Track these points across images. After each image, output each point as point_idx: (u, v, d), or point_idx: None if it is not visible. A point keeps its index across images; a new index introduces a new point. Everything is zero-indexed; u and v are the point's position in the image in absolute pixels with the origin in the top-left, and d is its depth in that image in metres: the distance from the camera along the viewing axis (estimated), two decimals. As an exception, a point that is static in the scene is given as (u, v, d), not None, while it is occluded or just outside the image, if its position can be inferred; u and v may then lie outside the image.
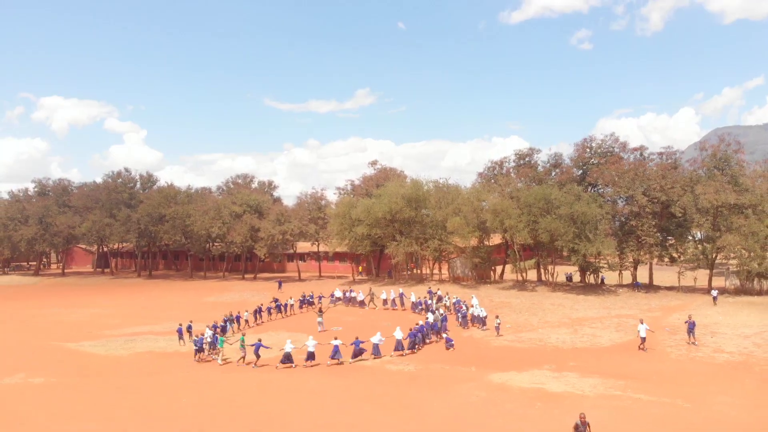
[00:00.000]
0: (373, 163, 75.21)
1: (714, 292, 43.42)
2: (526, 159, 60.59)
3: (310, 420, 20.20)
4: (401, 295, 48.20)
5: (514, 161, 61.34)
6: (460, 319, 38.09)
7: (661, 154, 53.47)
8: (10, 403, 23.85)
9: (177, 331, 35.72)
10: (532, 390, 23.13)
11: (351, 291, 51.58)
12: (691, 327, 30.68)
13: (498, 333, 34.45)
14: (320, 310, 40.08)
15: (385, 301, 47.96)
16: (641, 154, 54.74)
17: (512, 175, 60.14)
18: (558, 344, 32.04)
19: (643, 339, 29.66)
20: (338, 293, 51.52)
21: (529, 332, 35.53)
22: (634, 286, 51.35)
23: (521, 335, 34.75)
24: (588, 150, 57.64)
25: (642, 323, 30.09)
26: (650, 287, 51.71)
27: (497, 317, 35.55)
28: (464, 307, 38.65)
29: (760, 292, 47.13)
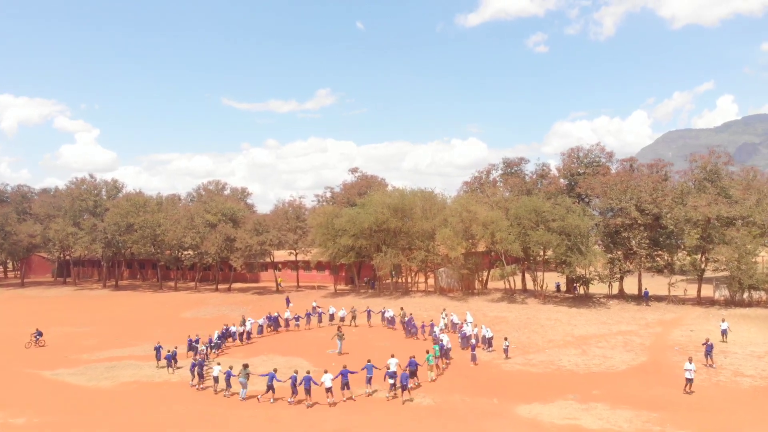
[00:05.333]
0: (354, 170, 73.40)
1: (724, 325, 36.26)
2: (514, 168, 59.81)
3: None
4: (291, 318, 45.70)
5: (501, 169, 60.48)
6: (460, 340, 36.63)
7: (651, 165, 53.38)
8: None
9: (166, 358, 33.25)
10: (568, 428, 21.89)
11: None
12: (708, 349, 30.01)
13: (507, 356, 33.22)
14: (339, 329, 37.79)
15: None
16: (630, 166, 54.55)
17: (499, 184, 59.27)
18: (572, 368, 30.94)
19: (690, 381, 25.91)
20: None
21: (538, 354, 34.38)
22: (644, 297, 50.73)
23: (530, 357, 33.56)
24: (575, 160, 57.13)
25: (690, 362, 26.17)
26: (640, 298, 51.43)
27: (506, 339, 34.28)
28: (468, 327, 37.16)
29: (750, 304, 47.32)
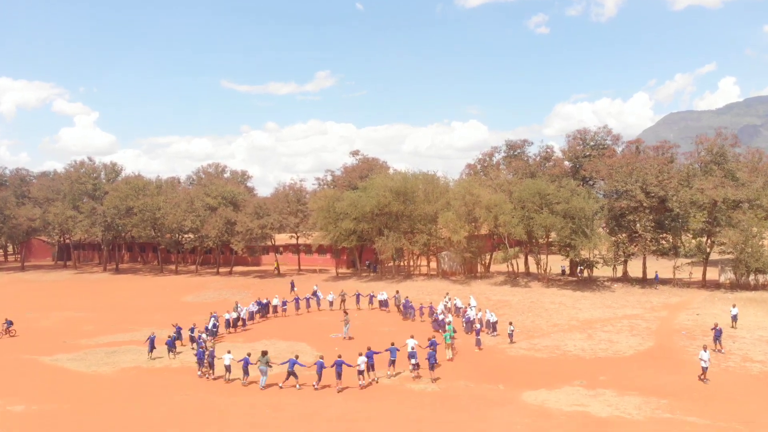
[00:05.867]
0: (355, 153, 72.55)
1: (734, 311, 35.27)
2: (517, 151, 59.03)
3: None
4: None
5: (504, 152, 59.70)
6: (464, 324, 36.21)
7: (656, 148, 52.62)
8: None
9: (166, 343, 32.77)
10: (576, 414, 21.45)
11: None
12: (717, 334, 29.56)
13: (511, 340, 32.79)
14: (345, 313, 37.22)
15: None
16: (636, 148, 53.78)
17: (502, 167, 58.52)
18: (578, 353, 30.51)
19: (705, 369, 25.06)
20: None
21: (542, 338, 33.96)
22: (655, 280, 50.49)
23: (535, 342, 33.13)
24: (581, 142, 56.32)
25: (705, 350, 25.41)
26: (645, 281, 51.01)
27: (511, 324, 33.77)
28: (472, 311, 36.73)
29: (755, 287, 46.86)
